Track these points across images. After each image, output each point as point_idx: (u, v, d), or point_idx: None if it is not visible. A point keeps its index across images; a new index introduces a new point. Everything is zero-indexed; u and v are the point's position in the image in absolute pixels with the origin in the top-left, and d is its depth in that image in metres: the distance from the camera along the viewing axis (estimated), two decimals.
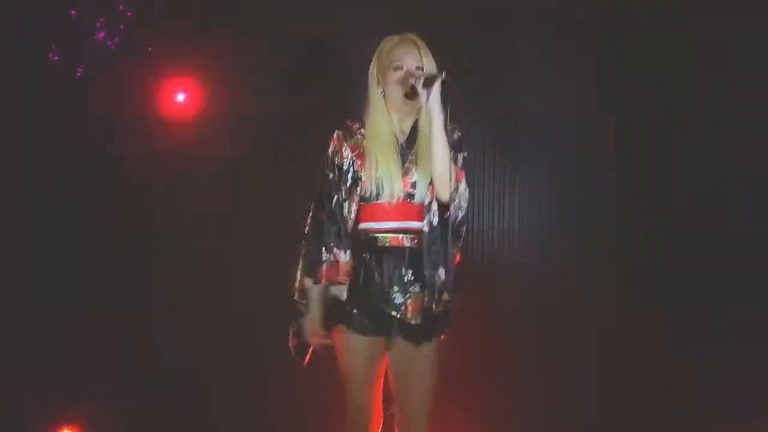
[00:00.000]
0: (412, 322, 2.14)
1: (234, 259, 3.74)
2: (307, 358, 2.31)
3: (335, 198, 2.18)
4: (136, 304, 3.77)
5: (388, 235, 2.20)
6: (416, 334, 2.17)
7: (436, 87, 2.05)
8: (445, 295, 2.20)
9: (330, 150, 2.24)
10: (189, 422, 3.69)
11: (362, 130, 2.25)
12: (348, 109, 2.47)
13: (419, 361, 2.20)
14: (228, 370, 3.73)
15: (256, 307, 3.65)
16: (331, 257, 2.15)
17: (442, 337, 2.26)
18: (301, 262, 2.26)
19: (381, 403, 2.24)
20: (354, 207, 2.20)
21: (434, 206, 2.22)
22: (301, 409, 3.64)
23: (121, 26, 3.79)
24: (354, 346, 2.17)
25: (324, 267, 2.15)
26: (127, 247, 3.83)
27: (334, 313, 2.19)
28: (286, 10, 3.80)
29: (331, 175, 2.21)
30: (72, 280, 3.74)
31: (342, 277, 2.16)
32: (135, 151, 3.74)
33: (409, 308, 2.14)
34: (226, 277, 3.75)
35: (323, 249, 2.15)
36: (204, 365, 3.73)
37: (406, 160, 2.22)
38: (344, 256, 2.16)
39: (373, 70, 2.26)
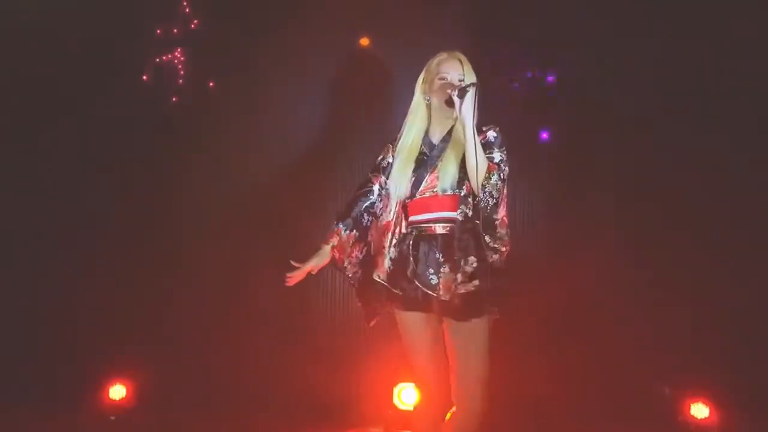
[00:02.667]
0: (443, 299, 2.38)
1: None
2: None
3: (362, 190, 2.63)
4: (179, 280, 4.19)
5: (423, 225, 2.50)
6: (455, 311, 2.39)
7: (468, 97, 2.35)
8: (476, 281, 2.38)
9: (380, 157, 2.67)
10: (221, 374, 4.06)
11: None
12: None
13: (465, 335, 2.41)
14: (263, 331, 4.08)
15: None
16: (335, 226, 2.59)
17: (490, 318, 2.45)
18: None
19: (445, 371, 2.45)
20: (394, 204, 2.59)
21: (470, 199, 2.44)
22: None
23: None
24: (407, 322, 2.48)
25: (329, 232, 2.60)
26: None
27: (385, 296, 2.53)
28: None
29: (369, 174, 2.66)
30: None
31: (332, 240, 2.57)
32: None
33: (441, 287, 2.39)
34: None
35: (336, 217, 2.62)
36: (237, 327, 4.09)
37: (433, 159, 2.51)
38: (343, 231, 2.58)
39: (420, 80, 2.60)
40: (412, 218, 2.54)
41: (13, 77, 4.13)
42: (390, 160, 2.59)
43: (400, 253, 2.51)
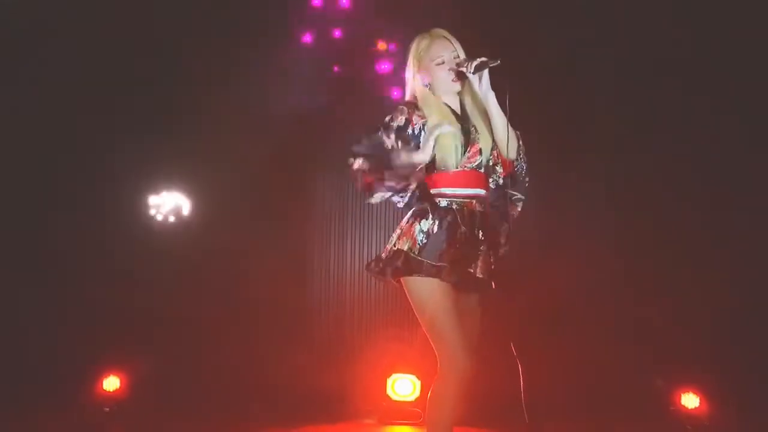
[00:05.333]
0: (479, 276, 2.40)
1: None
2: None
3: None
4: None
5: (464, 200, 2.43)
6: (483, 285, 2.43)
7: (486, 72, 2.37)
8: (503, 250, 2.48)
9: (388, 118, 2.40)
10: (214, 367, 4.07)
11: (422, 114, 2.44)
12: None
13: (480, 302, 2.49)
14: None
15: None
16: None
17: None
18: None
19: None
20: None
21: (499, 168, 2.52)
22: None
23: None
24: (439, 290, 2.34)
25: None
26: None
27: (416, 267, 2.36)
28: None
29: (380, 132, 2.37)
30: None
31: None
32: None
33: (480, 265, 2.41)
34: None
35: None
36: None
37: (469, 135, 2.46)
38: None
39: (412, 70, 2.51)
40: (450, 190, 2.44)
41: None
42: (402, 123, 2.39)
43: (438, 226, 2.39)
